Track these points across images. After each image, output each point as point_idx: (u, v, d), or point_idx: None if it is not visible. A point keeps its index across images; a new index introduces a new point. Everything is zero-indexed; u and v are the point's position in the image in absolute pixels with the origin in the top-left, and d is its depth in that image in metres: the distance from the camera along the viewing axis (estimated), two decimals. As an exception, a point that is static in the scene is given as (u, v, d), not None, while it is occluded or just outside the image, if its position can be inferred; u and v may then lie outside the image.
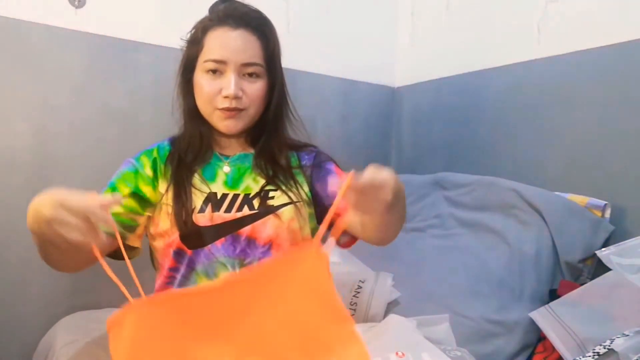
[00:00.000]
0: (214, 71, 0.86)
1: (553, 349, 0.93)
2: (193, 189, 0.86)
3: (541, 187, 1.24)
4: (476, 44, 1.57)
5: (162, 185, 0.88)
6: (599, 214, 1.14)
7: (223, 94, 0.85)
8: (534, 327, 1.01)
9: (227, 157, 0.93)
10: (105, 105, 1.36)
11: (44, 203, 0.56)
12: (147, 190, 0.87)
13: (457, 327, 1.05)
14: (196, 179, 0.88)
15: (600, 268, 1.06)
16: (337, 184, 0.62)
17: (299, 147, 0.97)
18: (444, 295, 1.15)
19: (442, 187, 1.48)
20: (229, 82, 0.84)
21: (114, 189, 0.86)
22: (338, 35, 1.77)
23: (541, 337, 1.02)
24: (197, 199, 0.85)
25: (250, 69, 0.86)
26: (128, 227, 0.85)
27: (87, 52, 1.33)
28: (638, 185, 1.10)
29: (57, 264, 0.76)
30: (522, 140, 1.39)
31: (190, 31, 0.91)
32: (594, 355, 0.77)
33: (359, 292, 1.20)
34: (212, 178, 0.89)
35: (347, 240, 0.91)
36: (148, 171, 0.88)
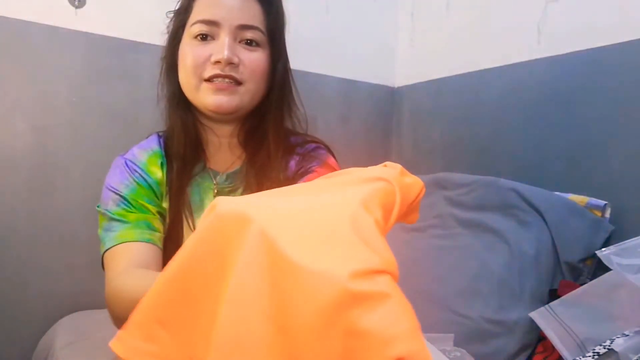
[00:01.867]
0: (204, 37, 0.70)
1: (553, 349, 0.93)
2: (184, 223, 0.74)
3: (541, 187, 1.24)
4: (476, 44, 1.57)
5: (165, 202, 0.75)
6: (599, 214, 1.14)
7: (213, 59, 0.69)
8: (534, 327, 1.01)
9: (216, 172, 0.79)
10: (105, 105, 1.36)
11: None
12: (164, 205, 0.75)
13: (457, 327, 1.05)
14: (186, 207, 0.75)
15: (600, 268, 1.06)
16: None
17: (293, 148, 0.80)
18: (444, 295, 1.15)
19: (442, 187, 1.48)
20: (222, 45, 0.68)
21: (142, 209, 0.71)
22: (338, 35, 1.77)
23: (541, 337, 1.02)
24: (186, 237, 0.74)
25: (248, 34, 0.71)
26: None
27: (87, 52, 1.33)
28: (638, 185, 1.10)
29: None
30: (522, 140, 1.39)
31: (178, 1, 0.77)
32: (594, 355, 0.77)
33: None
34: (199, 207, 0.76)
35: None
36: (163, 187, 0.75)
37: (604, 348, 0.76)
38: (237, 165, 0.79)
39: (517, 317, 1.04)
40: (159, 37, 1.45)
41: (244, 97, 0.72)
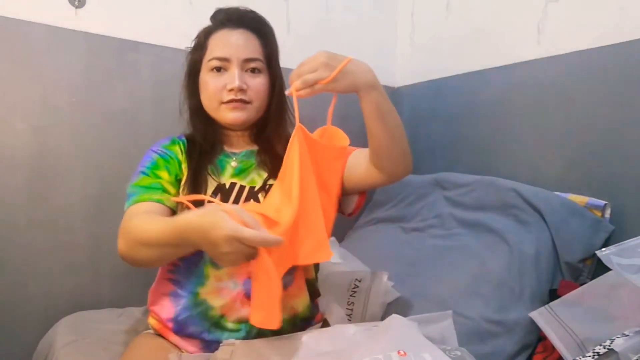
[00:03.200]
0: (218, 69, 0.92)
1: (553, 349, 0.94)
2: (208, 177, 0.93)
3: (541, 187, 1.24)
4: (476, 44, 1.57)
5: (185, 173, 0.95)
6: (599, 214, 1.14)
7: (227, 87, 0.90)
8: (534, 327, 1.01)
9: (234, 153, 0.98)
10: (105, 105, 1.36)
11: (219, 239, 0.61)
12: (181, 175, 0.93)
13: (456, 327, 1.05)
14: (209, 169, 0.94)
15: (600, 268, 1.06)
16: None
17: None
18: (444, 295, 1.14)
19: (442, 187, 1.48)
20: (233, 76, 0.90)
21: (154, 175, 0.89)
22: (338, 36, 1.77)
23: (541, 337, 1.02)
24: (209, 189, 0.91)
25: (252, 64, 0.92)
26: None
27: (87, 52, 1.33)
28: (638, 185, 1.11)
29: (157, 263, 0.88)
30: (522, 140, 1.39)
31: (194, 40, 0.98)
32: (594, 355, 0.77)
33: (355, 292, 1.20)
34: (222, 171, 0.95)
35: (356, 202, 0.98)
36: (181, 157, 0.95)
37: (604, 348, 0.76)
38: (253, 148, 1.00)
39: (517, 317, 1.04)
40: (159, 37, 1.46)
41: (252, 112, 0.94)
